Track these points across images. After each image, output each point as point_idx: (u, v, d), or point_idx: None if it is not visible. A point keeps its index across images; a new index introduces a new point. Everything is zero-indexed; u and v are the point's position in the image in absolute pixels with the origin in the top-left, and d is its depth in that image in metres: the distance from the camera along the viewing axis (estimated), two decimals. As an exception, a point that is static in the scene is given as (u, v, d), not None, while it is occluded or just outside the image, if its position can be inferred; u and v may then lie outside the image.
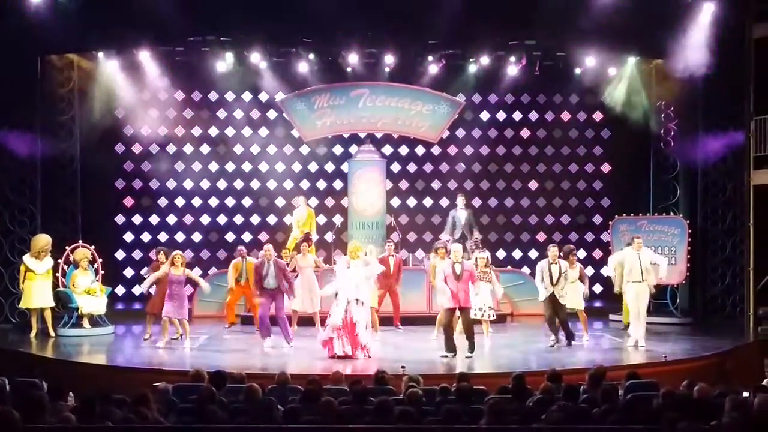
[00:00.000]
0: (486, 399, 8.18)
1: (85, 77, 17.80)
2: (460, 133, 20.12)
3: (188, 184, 19.75)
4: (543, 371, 10.42)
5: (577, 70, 18.79)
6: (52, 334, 15.14)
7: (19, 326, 15.90)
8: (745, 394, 8.20)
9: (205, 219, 19.82)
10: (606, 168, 20.38)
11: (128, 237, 19.54)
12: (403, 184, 20.17)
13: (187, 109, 19.65)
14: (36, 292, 15.20)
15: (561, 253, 14.40)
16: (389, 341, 14.87)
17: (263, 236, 19.56)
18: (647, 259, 14.34)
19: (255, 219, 19.91)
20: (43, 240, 15.43)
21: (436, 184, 20.21)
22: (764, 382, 9.27)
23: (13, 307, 16.40)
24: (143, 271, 16.89)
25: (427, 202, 20.18)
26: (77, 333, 15.18)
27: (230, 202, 19.90)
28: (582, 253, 19.17)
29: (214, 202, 19.85)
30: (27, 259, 15.34)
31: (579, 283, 14.75)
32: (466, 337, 13.20)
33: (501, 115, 20.30)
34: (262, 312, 14.18)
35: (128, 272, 19.40)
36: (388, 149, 19.90)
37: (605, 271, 16.99)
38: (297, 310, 15.64)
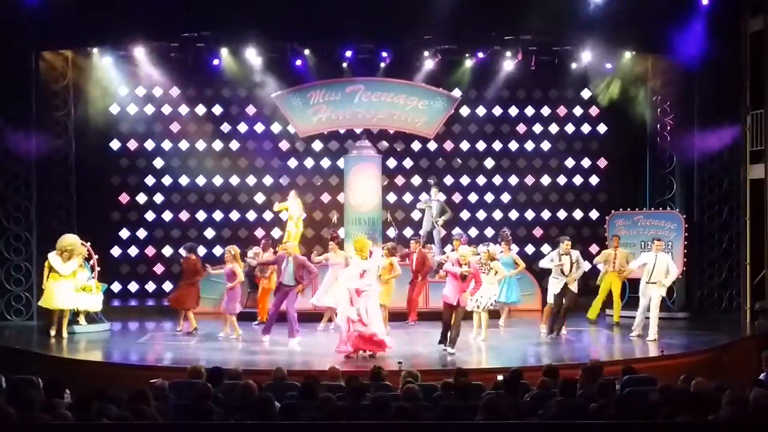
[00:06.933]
0: (482, 395, 8.17)
1: (80, 73, 17.75)
2: (456, 128, 20.09)
3: (184, 181, 19.69)
4: (540, 366, 10.42)
5: (573, 65, 18.80)
6: (64, 335, 14.80)
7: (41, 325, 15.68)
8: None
9: (201, 215, 19.77)
10: (602, 163, 20.38)
11: (124, 234, 19.48)
12: (399, 180, 20.15)
13: (182, 105, 19.55)
14: (58, 292, 14.78)
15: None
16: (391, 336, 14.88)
17: (259, 232, 19.54)
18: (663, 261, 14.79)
19: (251, 215, 19.87)
20: (66, 240, 15.12)
21: (432, 180, 20.16)
22: (761, 377, 9.26)
23: (9, 304, 16.38)
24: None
25: (423, 197, 20.12)
26: (73, 330, 15.13)
27: (226, 198, 19.84)
28: (578, 249, 19.13)
29: (210, 198, 19.79)
30: (52, 257, 14.92)
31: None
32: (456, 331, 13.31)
33: (497, 111, 20.27)
34: (275, 308, 14.35)
35: (124, 269, 19.35)
36: (383, 145, 19.87)
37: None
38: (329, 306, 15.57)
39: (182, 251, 15.69)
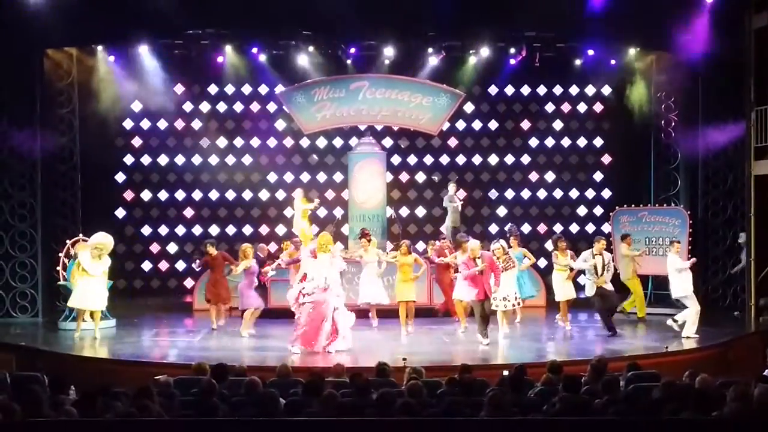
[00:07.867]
0: (487, 391, 8.17)
1: (85, 71, 17.78)
2: (460, 125, 20.09)
3: (188, 177, 19.71)
4: (544, 363, 10.43)
5: (577, 61, 18.78)
6: (97, 336, 14.53)
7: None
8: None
9: (205, 212, 19.79)
10: (607, 159, 20.37)
11: (129, 231, 19.50)
12: (404, 177, 20.15)
13: (187, 102, 19.59)
14: (88, 292, 14.55)
15: (552, 242, 14.82)
16: (392, 333, 14.88)
17: (264, 229, 19.60)
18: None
19: (255, 212, 19.89)
20: (96, 238, 14.87)
21: (436, 177, 20.17)
22: (765, 373, 9.26)
23: (14, 301, 16.42)
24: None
25: (428, 194, 20.16)
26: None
27: (230, 195, 19.86)
28: (583, 245, 19.13)
29: (214, 195, 19.81)
30: (83, 256, 14.64)
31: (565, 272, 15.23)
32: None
33: (501, 107, 20.26)
34: None
35: (129, 266, 19.35)
36: (388, 141, 19.87)
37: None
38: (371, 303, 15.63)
39: (210, 248, 15.47)
